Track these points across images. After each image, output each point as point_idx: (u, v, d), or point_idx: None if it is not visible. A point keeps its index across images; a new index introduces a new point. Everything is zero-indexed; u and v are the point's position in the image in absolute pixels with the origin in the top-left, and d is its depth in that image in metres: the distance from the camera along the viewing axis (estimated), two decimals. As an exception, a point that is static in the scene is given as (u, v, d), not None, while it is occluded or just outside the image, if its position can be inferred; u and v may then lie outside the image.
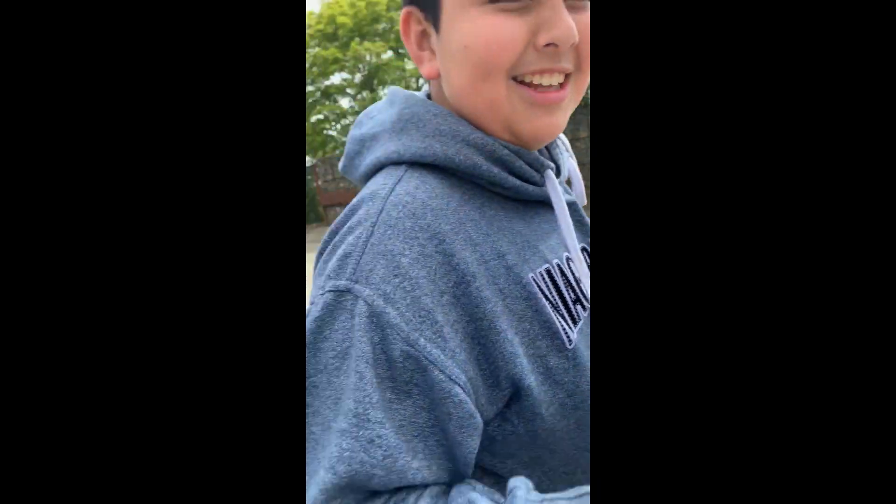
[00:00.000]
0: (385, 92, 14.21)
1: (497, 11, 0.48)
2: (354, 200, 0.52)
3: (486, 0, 0.48)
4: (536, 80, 0.50)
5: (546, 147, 0.63)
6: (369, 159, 0.55)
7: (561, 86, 0.51)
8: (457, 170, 0.52)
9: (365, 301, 0.45)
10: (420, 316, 0.45)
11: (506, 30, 0.48)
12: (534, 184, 0.55)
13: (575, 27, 0.48)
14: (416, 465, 0.45)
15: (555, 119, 0.52)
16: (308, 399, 0.47)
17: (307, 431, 0.47)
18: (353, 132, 0.60)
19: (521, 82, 0.50)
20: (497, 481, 0.52)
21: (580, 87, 0.54)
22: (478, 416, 0.47)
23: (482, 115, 0.53)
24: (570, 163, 0.65)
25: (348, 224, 0.50)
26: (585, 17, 0.50)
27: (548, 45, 0.48)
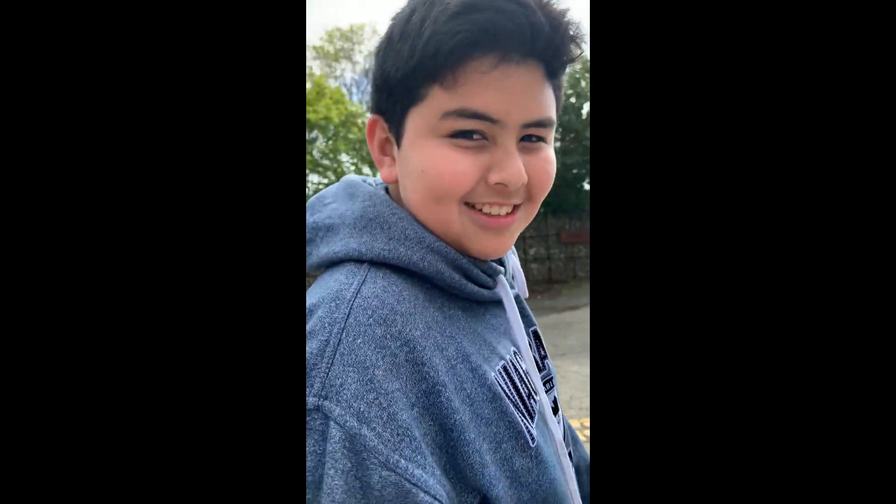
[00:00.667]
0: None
1: (454, 146, 0.51)
2: (312, 300, 0.51)
3: (444, 134, 0.51)
4: (486, 209, 0.53)
5: None
6: (325, 251, 0.56)
7: (510, 213, 0.54)
8: (420, 274, 0.53)
9: (336, 423, 0.42)
10: (398, 434, 0.43)
11: (460, 164, 0.51)
12: (487, 288, 0.58)
13: (524, 171, 0.51)
14: None
15: (503, 240, 0.55)
16: None
17: None
18: (307, 218, 0.60)
19: (473, 207, 0.53)
20: None
21: (530, 214, 0.57)
22: None
23: (434, 230, 0.55)
24: (513, 259, 0.69)
25: (308, 327, 0.48)
26: (540, 155, 0.54)
27: (497, 183, 0.52)
